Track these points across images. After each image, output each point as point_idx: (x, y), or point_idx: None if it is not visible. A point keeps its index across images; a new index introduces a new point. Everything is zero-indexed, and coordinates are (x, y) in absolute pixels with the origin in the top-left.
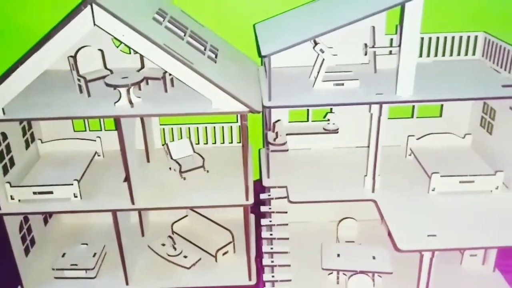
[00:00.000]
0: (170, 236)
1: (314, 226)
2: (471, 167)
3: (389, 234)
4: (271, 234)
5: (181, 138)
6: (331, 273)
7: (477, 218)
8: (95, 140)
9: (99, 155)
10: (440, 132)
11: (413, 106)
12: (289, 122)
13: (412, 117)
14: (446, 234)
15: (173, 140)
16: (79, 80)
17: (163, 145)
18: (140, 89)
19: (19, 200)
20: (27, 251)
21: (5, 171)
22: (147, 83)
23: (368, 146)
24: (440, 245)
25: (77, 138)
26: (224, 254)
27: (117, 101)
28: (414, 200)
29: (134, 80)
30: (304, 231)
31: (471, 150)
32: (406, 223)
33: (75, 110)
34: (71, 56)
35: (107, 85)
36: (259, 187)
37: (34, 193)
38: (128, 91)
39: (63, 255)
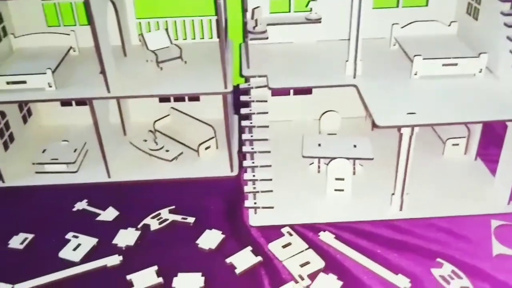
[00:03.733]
0: (151, 131)
1: (297, 124)
2: (456, 53)
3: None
4: (251, 123)
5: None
6: (312, 163)
7: (459, 99)
8: (69, 34)
9: (74, 51)
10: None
11: None
12: (271, 13)
13: (398, 6)
14: (426, 112)
15: None
16: None
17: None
18: None
19: None
20: (6, 147)
21: None
22: None
23: (350, 29)
24: (419, 121)
25: (51, 32)
26: (206, 148)
27: None
28: (396, 84)
29: None
30: (286, 128)
31: (456, 38)
32: (386, 103)
33: None
34: None
35: None
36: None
37: (8, 82)
38: None
39: (44, 151)
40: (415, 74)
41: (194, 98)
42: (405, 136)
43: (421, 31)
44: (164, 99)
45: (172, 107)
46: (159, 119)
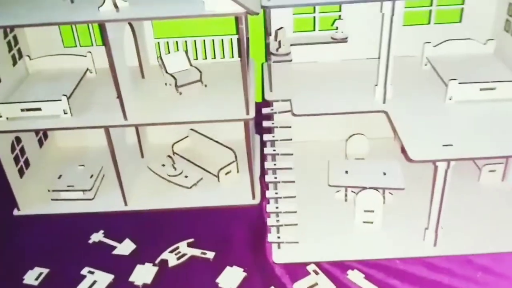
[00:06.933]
0: (169, 156)
1: (321, 145)
2: (493, 75)
3: (402, 148)
4: (274, 150)
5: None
6: (339, 190)
7: (498, 128)
8: (85, 56)
9: (91, 72)
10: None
11: (430, 11)
12: (294, 32)
13: (429, 23)
14: (463, 143)
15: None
16: None
17: (158, 59)
18: None
19: (7, 118)
20: (21, 173)
21: None
22: None
23: (379, 52)
24: (457, 154)
25: (67, 54)
26: (227, 173)
27: (101, 6)
28: (429, 110)
29: None
30: (311, 150)
31: (493, 58)
32: (419, 133)
33: (57, 16)
34: None
35: None
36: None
37: (22, 110)
38: None
39: (59, 176)
40: (450, 99)
41: None
42: (440, 170)
43: (455, 50)
44: None
45: (191, 129)
46: (177, 141)
